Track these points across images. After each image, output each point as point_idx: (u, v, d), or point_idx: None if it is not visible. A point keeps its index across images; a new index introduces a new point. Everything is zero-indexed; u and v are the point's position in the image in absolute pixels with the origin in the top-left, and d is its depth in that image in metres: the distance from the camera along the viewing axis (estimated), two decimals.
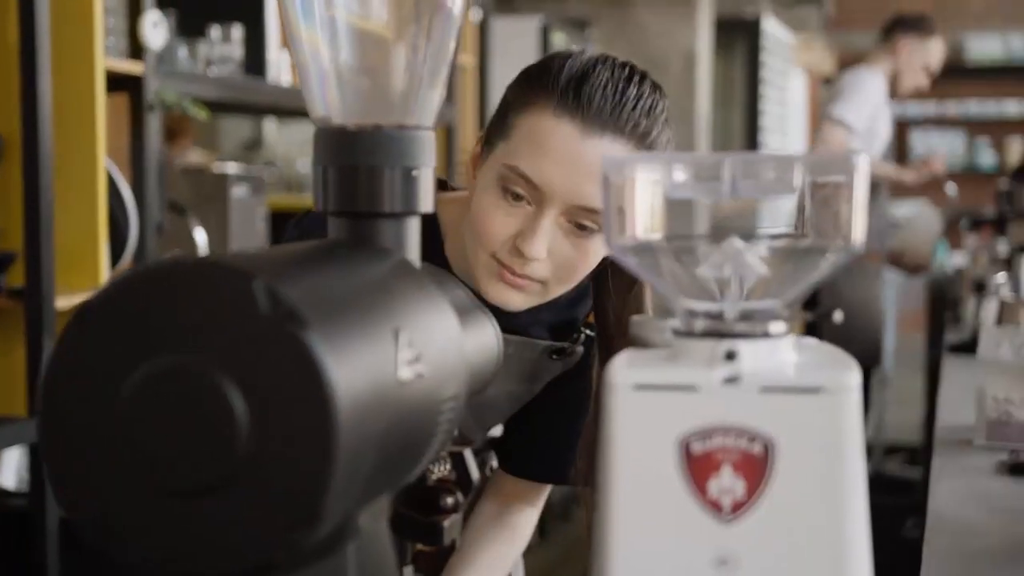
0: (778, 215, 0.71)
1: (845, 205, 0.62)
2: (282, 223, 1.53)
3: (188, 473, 0.50)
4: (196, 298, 0.50)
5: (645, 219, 0.63)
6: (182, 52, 2.84)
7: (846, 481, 0.59)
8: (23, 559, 2.37)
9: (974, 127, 8.65)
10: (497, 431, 1.40)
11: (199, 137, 4.76)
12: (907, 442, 4.72)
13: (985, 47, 8.44)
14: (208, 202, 2.95)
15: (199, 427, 0.49)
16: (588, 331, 1.29)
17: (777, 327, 0.61)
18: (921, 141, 8.57)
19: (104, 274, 2.44)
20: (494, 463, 1.43)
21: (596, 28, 5.49)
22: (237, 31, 3.02)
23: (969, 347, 2.33)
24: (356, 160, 0.62)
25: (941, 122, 8.65)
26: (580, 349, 1.29)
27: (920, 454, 4.23)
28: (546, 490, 1.40)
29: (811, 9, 7.73)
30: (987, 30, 8.41)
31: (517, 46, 4.56)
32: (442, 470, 1.15)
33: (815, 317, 3.49)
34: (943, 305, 4.08)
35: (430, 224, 1.15)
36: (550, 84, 1.12)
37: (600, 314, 1.26)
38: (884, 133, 4.36)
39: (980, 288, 3.19)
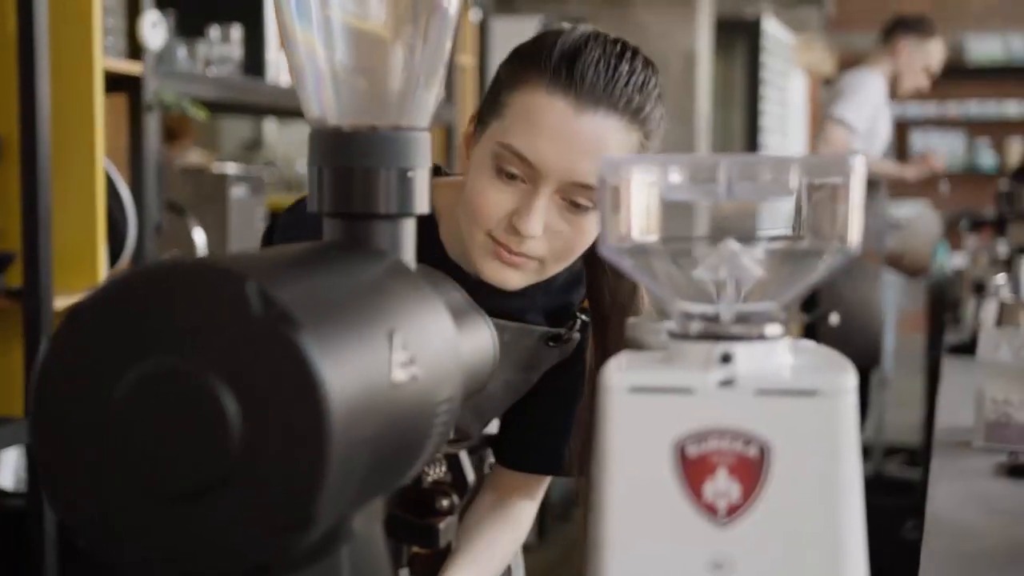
0: (777, 217, 0.71)
1: (842, 207, 0.62)
2: None
3: (181, 475, 0.49)
4: (189, 299, 0.50)
5: (641, 221, 0.63)
6: (181, 52, 2.84)
7: (842, 484, 0.59)
8: (21, 559, 2.37)
9: (974, 128, 8.64)
10: (493, 427, 1.39)
11: (199, 137, 4.76)
12: (907, 443, 4.73)
13: (985, 48, 8.44)
14: (207, 202, 2.94)
15: (192, 429, 0.49)
16: (583, 316, 1.28)
17: (773, 329, 0.61)
18: (921, 142, 8.57)
19: (102, 275, 2.43)
20: (491, 463, 1.43)
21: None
22: (236, 31, 3.02)
23: (969, 348, 2.32)
24: (351, 161, 0.61)
25: (941, 123, 8.64)
26: (576, 336, 1.28)
27: (920, 455, 4.23)
28: (545, 482, 1.39)
29: (811, 10, 7.73)
30: (987, 31, 8.41)
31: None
32: (438, 472, 1.15)
33: (813, 319, 3.49)
34: (943, 306, 4.08)
35: None
36: (542, 61, 1.11)
37: (594, 293, 1.25)
38: (884, 134, 4.36)
39: (980, 289, 3.19)
